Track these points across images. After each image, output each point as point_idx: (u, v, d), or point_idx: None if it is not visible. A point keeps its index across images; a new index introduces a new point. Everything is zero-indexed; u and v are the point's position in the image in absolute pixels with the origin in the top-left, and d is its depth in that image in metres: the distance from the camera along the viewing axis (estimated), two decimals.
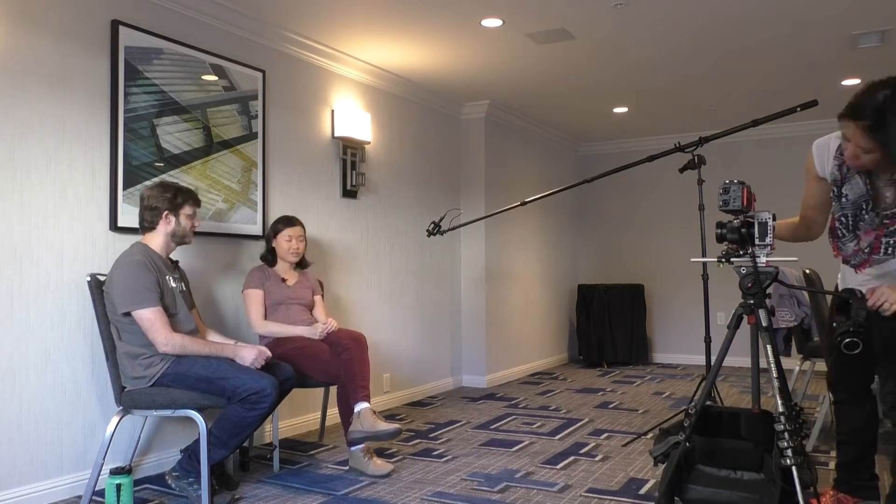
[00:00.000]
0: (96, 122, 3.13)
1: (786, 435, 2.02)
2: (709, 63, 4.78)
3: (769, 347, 2.17)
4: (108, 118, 3.16)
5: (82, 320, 3.04)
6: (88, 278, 2.87)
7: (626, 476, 3.24)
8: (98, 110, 3.13)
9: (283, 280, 3.63)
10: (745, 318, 2.26)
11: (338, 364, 3.30)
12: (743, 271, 2.24)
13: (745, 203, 2.22)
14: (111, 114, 3.17)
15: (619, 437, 4.01)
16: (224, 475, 3.10)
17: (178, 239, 2.98)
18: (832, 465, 3.41)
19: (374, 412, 3.23)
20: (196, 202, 3.02)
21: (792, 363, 4.79)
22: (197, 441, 2.83)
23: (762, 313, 2.20)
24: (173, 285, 2.93)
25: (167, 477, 2.88)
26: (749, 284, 2.21)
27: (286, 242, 3.61)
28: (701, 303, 4.30)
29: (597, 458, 3.55)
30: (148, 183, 3.24)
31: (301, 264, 3.75)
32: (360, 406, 3.23)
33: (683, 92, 5.53)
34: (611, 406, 4.92)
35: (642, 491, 3.01)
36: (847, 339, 2.04)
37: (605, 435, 4.05)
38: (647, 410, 4.75)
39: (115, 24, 3.19)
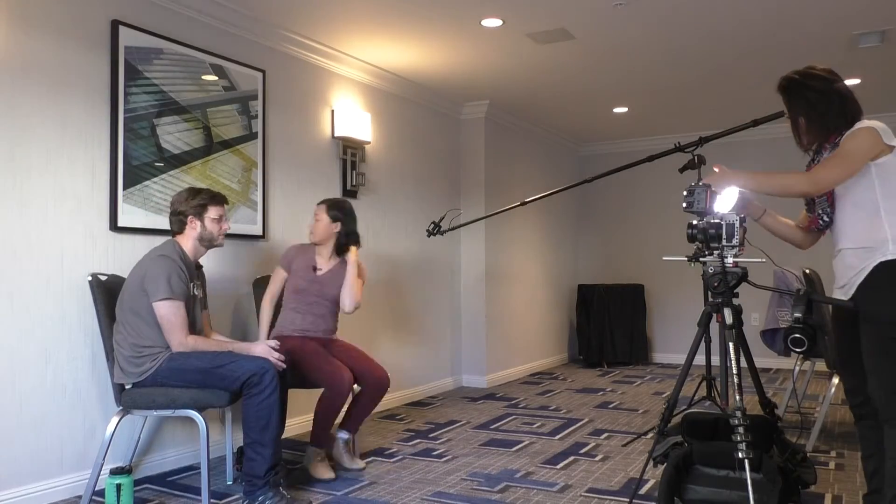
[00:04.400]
0: (96, 122, 3.13)
1: (740, 430, 2.10)
2: (709, 63, 4.78)
3: (731, 345, 2.27)
4: (108, 118, 3.16)
5: (82, 320, 3.04)
6: (90, 278, 2.88)
7: (625, 476, 3.24)
8: (98, 110, 3.13)
9: (316, 269, 3.48)
10: (715, 316, 2.34)
11: (335, 373, 3.25)
12: (711, 270, 2.32)
13: (707, 205, 2.31)
14: (111, 114, 3.17)
15: (619, 437, 4.01)
16: (277, 492, 2.86)
17: (206, 243, 2.99)
18: (832, 465, 3.41)
19: (351, 445, 3.41)
20: (220, 202, 3.00)
21: (791, 363, 4.80)
22: (239, 457, 2.90)
23: (728, 312, 2.28)
24: (195, 293, 2.96)
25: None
26: (715, 284, 2.29)
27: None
28: (701, 303, 4.30)
29: (597, 458, 3.55)
30: (150, 182, 3.26)
31: (338, 251, 3.52)
32: (343, 435, 3.35)
33: (683, 92, 5.53)
34: (611, 406, 4.92)
35: (642, 491, 3.01)
36: (791, 336, 2.18)
37: (605, 435, 4.05)
38: (647, 410, 4.76)
39: (115, 24, 3.19)
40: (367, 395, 3.36)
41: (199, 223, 2.94)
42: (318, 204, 3.53)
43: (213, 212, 2.96)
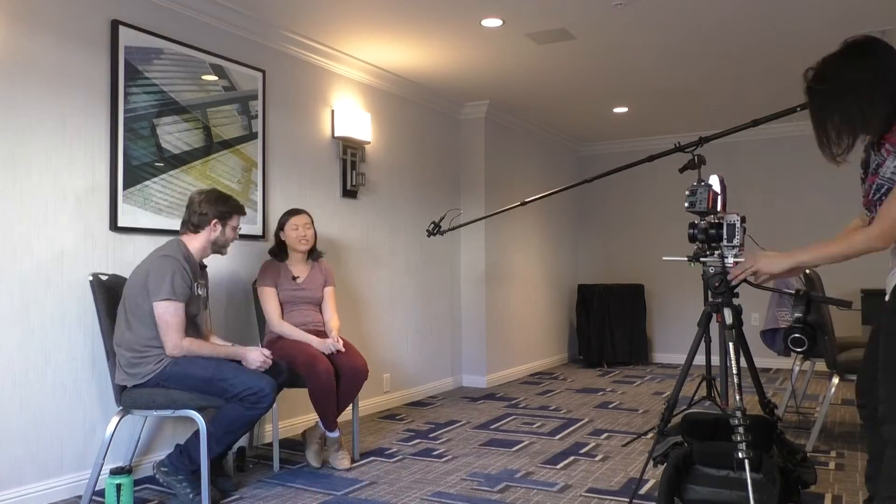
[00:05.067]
0: (96, 121, 3.13)
1: (740, 430, 2.10)
2: (709, 63, 4.78)
3: (731, 345, 2.27)
4: (108, 118, 3.16)
5: (82, 320, 3.04)
6: (91, 278, 2.88)
7: (625, 476, 3.24)
8: (98, 110, 3.13)
9: (294, 278, 3.59)
10: (715, 316, 2.34)
11: (310, 362, 3.30)
12: (711, 271, 2.32)
13: (710, 205, 2.30)
14: (111, 114, 3.17)
15: (619, 437, 4.01)
16: (223, 476, 3.11)
17: (216, 247, 3.02)
18: (832, 465, 3.41)
19: (340, 443, 3.44)
20: (242, 214, 3.10)
21: (791, 363, 4.80)
22: (191, 438, 2.85)
23: (728, 312, 2.28)
24: (198, 293, 2.97)
25: (155, 469, 2.88)
26: (716, 284, 2.29)
27: (294, 232, 3.58)
28: (701, 302, 4.30)
29: (597, 458, 3.55)
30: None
31: (312, 255, 3.71)
32: (330, 434, 3.39)
33: (683, 92, 5.53)
34: (611, 406, 4.92)
35: (642, 491, 3.01)
36: (791, 336, 2.18)
37: (605, 435, 4.05)
38: (647, 410, 4.75)
39: (115, 24, 3.19)
40: (343, 386, 3.36)
41: (221, 228, 2.98)
42: (301, 213, 3.64)
43: (235, 220, 3.04)
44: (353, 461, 3.47)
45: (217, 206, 2.97)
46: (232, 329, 3.74)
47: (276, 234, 3.66)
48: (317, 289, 3.66)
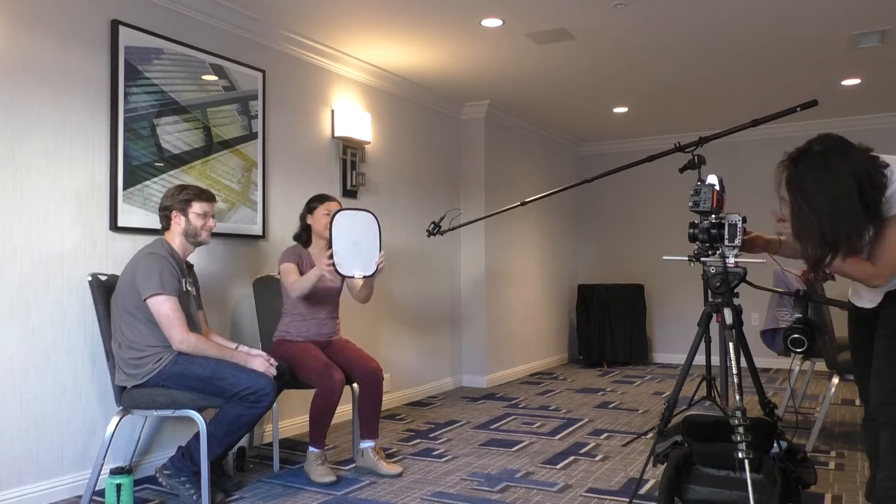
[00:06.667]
0: (96, 121, 3.13)
1: (740, 430, 2.10)
2: (709, 63, 4.78)
3: (731, 345, 2.28)
4: (108, 118, 3.16)
5: (82, 320, 3.04)
6: (90, 278, 2.88)
7: (625, 476, 3.24)
8: (98, 110, 3.13)
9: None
10: (715, 316, 2.35)
11: (324, 372, 3.20)
12: (712, 271, 2.33)
13: (714, 204, 2.30)
14: (111, 114, 3.17)
15: (619, 437, 4.01)
16: (224, 475, 3.11)
17: (192, 239, 2.97)
18: (832, 465, 3.41)
19: (379, 451, 3.33)
20: (206, 199, 2.99)
21: (790, 362, 4.81)
22: (192, 440, 2.84)
23: (728, 312, 2.28)
24: (187, 289, 2.95)
25: (157, 473, 2.88)
26: (717, 283, 2.30)
27: (325, 217, 3.40)
28: (701, 302, 4.30)
29: (597, 458, 3.55)
30: (150, 182, 3.28)
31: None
32: (366, 444, 3.31)
33: (683, 92, 5.53)
34: (611, 406, 4.92)
35: (642, 491, 3.01)
36: (791, 336, 2.22)
37: (605, 435, 4.05)
38: (647, 410, 4.76)
39: (114, 24, 3.19)
40: (364, 392, 3.34)
41: (183, 218, 2.93)
42: (334, 200, 3.49)
43: (197, 207, 2.95)
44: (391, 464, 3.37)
45: (174, 198, 2.94)
46: (232, 329, 3.74)
47: (303, 218, 3.51)
48: (336, 277, 3.44)
